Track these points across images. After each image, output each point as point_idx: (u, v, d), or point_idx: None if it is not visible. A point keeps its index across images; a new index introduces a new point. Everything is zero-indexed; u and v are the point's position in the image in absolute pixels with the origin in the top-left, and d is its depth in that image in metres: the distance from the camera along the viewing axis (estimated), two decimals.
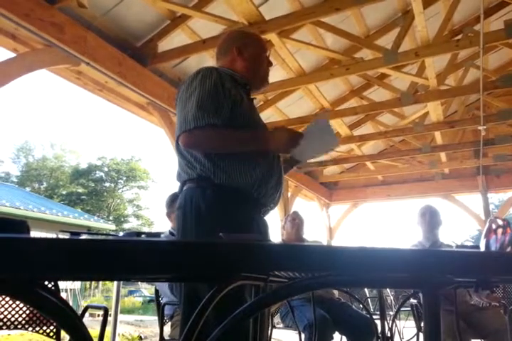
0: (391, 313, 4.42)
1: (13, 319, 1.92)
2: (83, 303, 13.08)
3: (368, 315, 2.98)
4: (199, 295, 1.38)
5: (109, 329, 4.16)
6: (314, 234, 9.81)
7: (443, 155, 6.67)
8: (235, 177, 1.58)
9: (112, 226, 16.04)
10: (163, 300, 2.73)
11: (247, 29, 3.33)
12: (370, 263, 0.74)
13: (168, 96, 4.05)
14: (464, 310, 2.74)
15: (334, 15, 3.71)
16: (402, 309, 3.53)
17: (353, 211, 8.71)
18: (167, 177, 45.95)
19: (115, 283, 4.38)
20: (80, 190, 32.86)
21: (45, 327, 1.96)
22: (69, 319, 0.68)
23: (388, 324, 2.99)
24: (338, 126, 5.83)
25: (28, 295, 0.65)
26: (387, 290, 5.30)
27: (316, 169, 7.38)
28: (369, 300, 5.47)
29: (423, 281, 0.77)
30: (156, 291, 2.81)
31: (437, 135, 5.99)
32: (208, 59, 4.25)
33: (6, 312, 1.91)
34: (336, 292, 3.26)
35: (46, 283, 1.78)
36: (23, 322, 1.94)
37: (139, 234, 1.23)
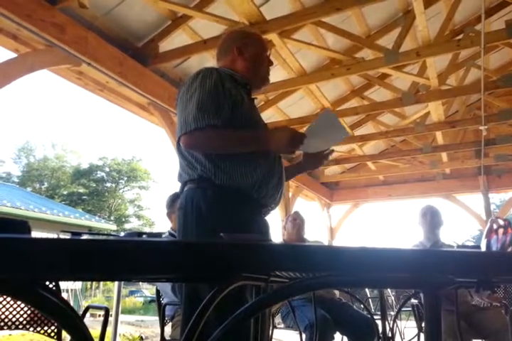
0: (392, 313, 4.41)
1: (14, 319, 1.92)
2: (84, 303, 13.09)
3: (369, 315, 2.98)
4: (200, 296, 1.38)
5: (110, 329, 4.16)
6: (315, 234, 9.81)
7: (444, 155, 6.67)
8: (236, 177, 1.58)
9: (113, 227, 16.04)
10: (164, 301, 2.73)
11: (247, 29, 3.32)
12: (371, 264, 0.74)
13: (169, 97, 4.05)
14: (465, 310, 2.74)
15: (335, 15, 3.71)
16: (403, 309, 3.53)
17: (354, 211, 8.71)
18: (168, 177, 46.01)
19: (116, 283, 4.39)
20: (81, 190, 32.88)
21: (46, 328, 1.97)
22: (70, 319, 0.68)
23: (389, 324, 2.98)
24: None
25: (29, 296, 0.65)
26: (388, 290, 5.30)
27: (317, 169, 7.38)
28: (370, 300, 5.46)
29: (424, 281, 0.76)
30: (157, 291, 2.81)
31: (438, 135, 5.99)
32: (209, 59, 4.25)
33: (7, 313, 1.91)
34: (336, 292, 3.26)
35: (47, 283, 1.78)
36: (24, 322, 1.94)
37: (140, 234, 1.23)
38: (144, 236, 1.25)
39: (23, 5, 2.78)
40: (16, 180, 32.86)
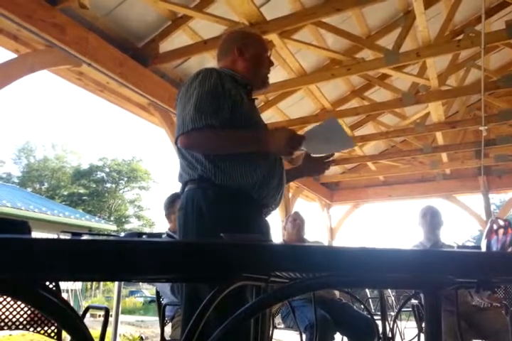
0: (392, 314, 4.41)
1: (14, 319, 1.92)
2: (84, 304, 13.09)
3: (369, 316, 2.97)
4: (200, 296, 1.38)
5: (110, 329, 4.16)
6: (315, 234, 9.81)
7: (444, 156, 6.66)
8: (236, 178, 1.58)
9: (113, 227, 16.04)
10: (164, 301, 2.73)
11: (248, 29, 3.33)
12: (371, 264, 0.74)
13: (170, 97, 4.06)
14: (465, 310, 2.73)
15: (335, 16, 3.71)
16: (403, 310, 3.52)
17: (354, 211, 8.71)
18: (168, 177, 46.02)
19: (116, 283, 4.39)
20: (81, 190, 32.89)
21: (46, 328, 1.97)
22: (70, 319, 0.68)
23: (389, 324, 2.98)
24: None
25: (30, 296, 0.65)
26: (389, 290, 5.30)
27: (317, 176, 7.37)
28: (370, 300, 5.46)
29: (424, 282, 0.76)
30: (157, 292, 2.81)
31: (438, 135, 5.99)
32: (209, 59, 4.25)
33: (7, 313, 1.91)
34: (337, 292, 3.26)
35: (47, 283, 1.78)
36: (25, 322, 1.94)
37: (140, 234, 1.23)
38: (144, 236, 1.25)
39: (23, 5, 2.78)
40: (16, 180, 32.87)
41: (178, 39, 4.01)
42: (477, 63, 4.99)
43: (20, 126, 53.50)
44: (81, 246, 0.64)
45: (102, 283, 20.81)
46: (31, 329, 1.94)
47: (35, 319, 1.96)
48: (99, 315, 10.35)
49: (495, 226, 1.08)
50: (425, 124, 5.65)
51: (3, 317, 1.89)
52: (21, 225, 0.75)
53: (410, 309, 3.07)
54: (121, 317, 5.54)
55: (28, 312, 1.94)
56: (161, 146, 59.59)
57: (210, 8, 3.73)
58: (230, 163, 1.59)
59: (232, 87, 1.66)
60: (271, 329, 2.56)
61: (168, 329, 2.63)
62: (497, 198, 25.71)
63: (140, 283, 21.66)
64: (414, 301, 2.84)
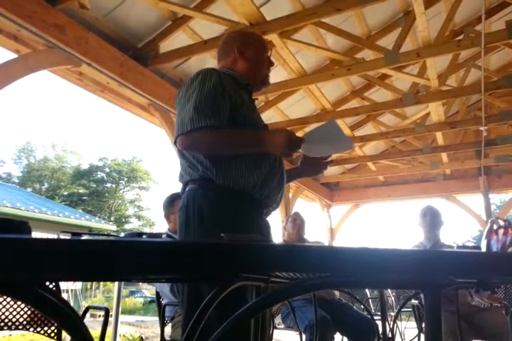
0: (392, 314, 4.41)
1: (14, 319, 1.93)
2: (84, 304, 13.08)
3: (369, 316, 2.97)
4: (201, 296, 1.38)
5: (110, 329, 4.17)
6: (315, 234, 9.81)
7: (444, 156, 6.66)
8: (237, 178, 1.58)
9: (113, 227, 16.03)
10: (164, 301, 2.73)
11: (248, 29, 3.33)
12: (371, 264, 0.74)
13: (170, 97, 4.06)
14: (465, 311, 2.73)
15: (335, 16, 3.71)
16: (403, 310, 3.53)
17: (355, 211, 8.71)
18: (168, 178, 46.03)
19: (116, 283, 4.39)
20: (82, 190, 32.88)
21: (46, 328, 1.97)
22: (70, 319, 0.68)
23: (389, 325, 2.98)
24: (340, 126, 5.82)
25: (29, 296, 0.65)
26: (389, 290, 5.30)
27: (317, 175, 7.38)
28: (370, 300, 5.46)
29: (424, 282, 0.76)
30: (157, 292, 2.80)
31: (439, 135, 5.99)
32: (209, 60, 4.25)
33: (7, 313, 1.91)
34: (337, 293, 3.26)
35: (47, 283, 1.78)
36: (24, 322, 1.94)
37: (140, 234, 1.23)
38: (144, 236, 1.25)
39: (24, 6, 2.79)
40: (16, 180, 32.87)
41: (178, 39, 4.01)
42: (477, 63, 4.99)
43: (20, 126, 53.57)
44: (81, 246, 0.64)
45: (102, 283, 20.82)
46: (31, 329, 1.94)
47: (35, 319, 1.96)
48: (99, 315, 10.36)
49: (495, 227, 1.08)
50: (425, 124, 5.65)
51: (3, 317, 1.89)
52: (21, 225, 0.75)
53: (410, 309, 3.07)
54: (121, 318, 5.55)
55: (28, 312, 1.94)
56: (161, 146, 59.72)
57: (210, 8, 3.74)
58: (231, 163, 1.59)
59: (232, 88, 1.66)
60: (271, 329, 2.56)
61: (168, 329, 2.63)
62: (497, 198, 25.73)
63: (140, 283, 21.67)
64: (414, 301, 2.85)
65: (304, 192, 7.65)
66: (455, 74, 5.59)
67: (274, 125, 5.24)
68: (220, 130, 1.57)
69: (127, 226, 32.77)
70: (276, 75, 4.46)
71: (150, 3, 3.47)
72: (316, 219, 8.48)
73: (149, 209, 34.95)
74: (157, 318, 2.76)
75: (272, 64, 1.89)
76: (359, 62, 4.21)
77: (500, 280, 1.19)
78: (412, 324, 3.74)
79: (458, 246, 1.59)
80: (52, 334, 1.98)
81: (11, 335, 7.00)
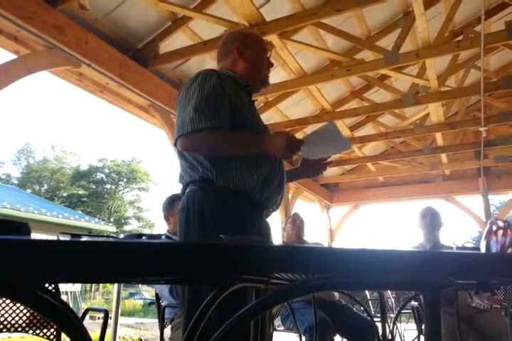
0: (392, 316, 4.41)
1: (13, 321, 1.92)
2: (83, 306, 13.08)
3: (369, 318, 2.97)
4: (202, 297, 1.38)
5: (109, 331, 4.16)
6: (315, 235, 9.81)
7: (444, 157, 6.67)
8: (237, 179, 1.58)
9: (113, 228, 16.02)
10: (163, 303, 2.73)
11: (248, 30, 3.33)
12: (371, 265, 0.74)
13: (169, 98, 4.06)
14: (465, 312, 2.73)
15: (335, 17, 3.71)
16: (403, 311, 3.52)
17: (354, 212, 8.70)
18: (168, 179, 46.02)
19: (116, 285, 4.38)
20: (81, 191, 32.87)
21: (45, 330, 1.96)
22: (69, 321, 0.67)
23: (389, 326, 2.98)
24: (339, 127, 5.82)
25: (29, 298, 0.64)
26: (388, 292, 5.29)
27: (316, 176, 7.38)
28: (370, 302, 5.45)
29: (424, 283, 0.76)
30: (157, 294, 2.80)
31: (438, 136, 5.99)
32: (209, 60, 4.25)
33: (6, 315, 1.90)
34: (336, 294, 3.26)
35: (47, 285, 1.78)
36: (24, 324, 1.93)
37: (139, 235, 1.23)
38: (144, 237, 1.25)
39: (24, 7, 2.79)
40: (16, 181, 32.86)
41: (178, 40, 4.01)
42: (477, 64, 5.00)
43: (19, 127, 53.54)
44: (80, 247, 0.64)
45: (101, 285, 20.79)
46: (30, 331, 1.94)
47: (34, 321, 1.96)
48: (99, 317, 10.34)
49: (494, 228, 1.08)
50: (425, 125, 5.65)
51: (2, 319, 1.89)
52: (21, 226, 0.75)
53: (410, 311, 3.06)
54: (121, 320, 5.54)
55: (27, 314, 1.94)
56: (161, 147, 59.68)
57: (209, 8, 3.74)
58: (231, 164, 1.59)
59: (232, 89, 1.66)
60: (271, 330, 2.55)
61: (167, 331, 2.63)
62: (496, 199, 25.69)
63: (139, 285, 21.65)
64: (414, 303, 2.84)
65: (303, 193, 7.64)
66: (454, 75, 5.60)
67: (273, 125, 5.24)
68: (220, 132, 1.57)
69: (127, 228, 32.76)
70: (276, 76, 4.46)
71: (150, 3, 3.47)
72: (316, 220, 8.48)
73: (149, 210, 34.98)
74: (156, 320, 2.75)
75: (271, 65, 1.89)
76: (358, 63, 4.21)
77: (499, 281, 1.19)
78: (412, 326, 3.74)
79: (457, 247, 1.59)
80: (52, 337, 1.97)
81: (10, 337, 6.98)
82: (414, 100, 4.74)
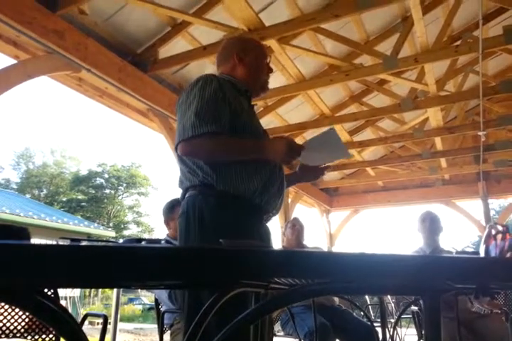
0: (392, 320, 4.39)
1: (12, 327, 1.91)
2: (82, 311, 13.02)
3: (369, 323, 2.96)
4: (202, 302, 1.38)
5: (108, 337, 4.14)
6: (315, 240, 9.79)
7: (443, 161, 6.67)
8: (237, 184, 1.59)
9: (112, 233, 15.99)
10: (162, 308, 2.72)
11: (247, 35, 3.34)
12: (371, 270, 0.74)
13: (169, 103, 4.06)
14: (465, 317, 2.72)
15: (334, 22, 3.73)
16: (403, 316, 3.51)
17: (354, 217, 8.70)
18: (167, 183, 45.96)
19: (115, 290, 4.37)
20: (80, 196, 32.81)
21: (44, 335, 1.95)
22: (68, 327, 0.67)
23: (389, 331, 2.97)
24: (338, 132, 5.83)
25: (28, 303, 0.64)
26: (388, 297, 5.28)
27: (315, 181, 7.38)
28: (370, 307, 5.43)
29: (423, 287, 0.76)
30: (156, 299, 2.79)
31: (437, 141, 6.00)
32: (208, 65, 4.26)
33: (4, 321, 1.90)
34: (336, 299, 3.25)
35: (46, 290, 1.77)
36: (22, 330, 1.92)
37: (139, 240, 1.22)
38: (143, 242, 1.25)
39: (23, 12, 2.80)
40: (15, 186, 32.81)
41: (178, 45, 4.02)
42: (475, 69, 5.01)
43: (19, 132, 53.55)
44: (80, 252, 0.64)
45: (100, 290, 20.73)
46: (29, 337, 1.93)
47: (33, 326, 1.95)
48: (98, 323, 10.30)
49: (493, 232, 1.08)
50: (424, 130, 5.66)
51: (0, 325, 1.88)
52: (20, 231, 0.75)
53: (410, 316, 3.05)
54: (120, 325, 5.52)
55: (26, 319, 1.93)
56: (160, 152, 59.67)
57: (209, 14, 3.75)
58: (231, 169, 1.60)
59: (231, 94, 1.67)
60: (271, 335, 2.54)
61: (166, 336, 2.62)
62: (496, 203, 25.70)
63: (139, 290, 21.58)
64: (414, 308, 2.83)
65: (303, 198, 7.64)
66: (453, 80, 5.62)
67: (273, 130, 5.25)
68: (220, 137, 1.57)
69: (126, 233, 32.68)
70: (275, 81, 4.47)
71: (149, 8, 3.48)
72: (315, 224, 8.47)
73: (148, 215, 34.89)
74: (156, 326, 2.74)
75: (271, 70, 1.90)
76: (357, 68, 4.22)
77: (498, 285, 1.19)
78: (412, 330, 3.72)
79: (457, 252, 1.59)
80: None
81: None
82: (413, 105, 4.75)
